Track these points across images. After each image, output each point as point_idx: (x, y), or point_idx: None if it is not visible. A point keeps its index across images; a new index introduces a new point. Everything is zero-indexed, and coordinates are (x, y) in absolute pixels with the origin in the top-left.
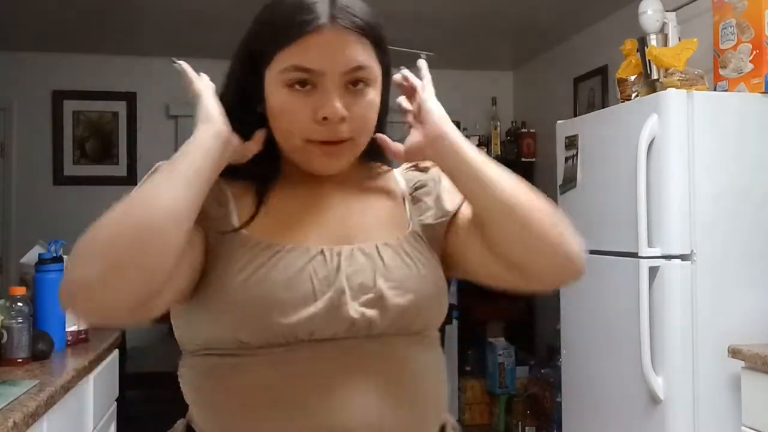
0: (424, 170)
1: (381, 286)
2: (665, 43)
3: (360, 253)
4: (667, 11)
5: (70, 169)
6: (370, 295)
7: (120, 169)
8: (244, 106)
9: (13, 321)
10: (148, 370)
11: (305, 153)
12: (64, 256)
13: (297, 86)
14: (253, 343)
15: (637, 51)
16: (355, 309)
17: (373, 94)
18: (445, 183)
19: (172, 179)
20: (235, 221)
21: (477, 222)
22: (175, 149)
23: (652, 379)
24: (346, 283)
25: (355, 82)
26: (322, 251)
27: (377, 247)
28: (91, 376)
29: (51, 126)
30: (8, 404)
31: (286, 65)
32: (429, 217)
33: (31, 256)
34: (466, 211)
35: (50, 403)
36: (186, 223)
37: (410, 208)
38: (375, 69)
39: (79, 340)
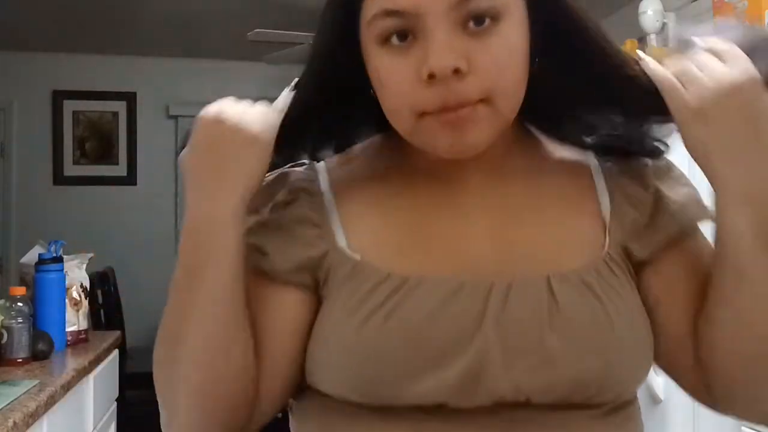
0: (653, 154)
1: (550, 344)
2: (666, 44)
3: (522, 288)
4: (667, 11)
5: (70, 169)
6: (532, 359)
7: (120, 169)
8: (344, 92)
9: (13, 321)
10: (148, 370)
11: (424, 133)
12: (64, 256)
13: (394, 40)
14: (369, 403)
15: (637, 51)
16: (506, 378)
17: (510, 30)
18: (683, 190)
19: (194, 314)
20: (342, 241)
21: (714, 298)
22: (175, 149)
23: (652, 379)
24: (496, 338)
25: (475, 18)
26: (462, 286)
27: (549, 280)
28: (91, 376)
29: (51, 126)
30: (8, 404)
31: (374, 11)
32: (642, 238)
33: (31, 256)
34: (697, 247)
35: (50, 403)
36: (239, 346)
37: (611, 215)
38: None
39: (79, 340)
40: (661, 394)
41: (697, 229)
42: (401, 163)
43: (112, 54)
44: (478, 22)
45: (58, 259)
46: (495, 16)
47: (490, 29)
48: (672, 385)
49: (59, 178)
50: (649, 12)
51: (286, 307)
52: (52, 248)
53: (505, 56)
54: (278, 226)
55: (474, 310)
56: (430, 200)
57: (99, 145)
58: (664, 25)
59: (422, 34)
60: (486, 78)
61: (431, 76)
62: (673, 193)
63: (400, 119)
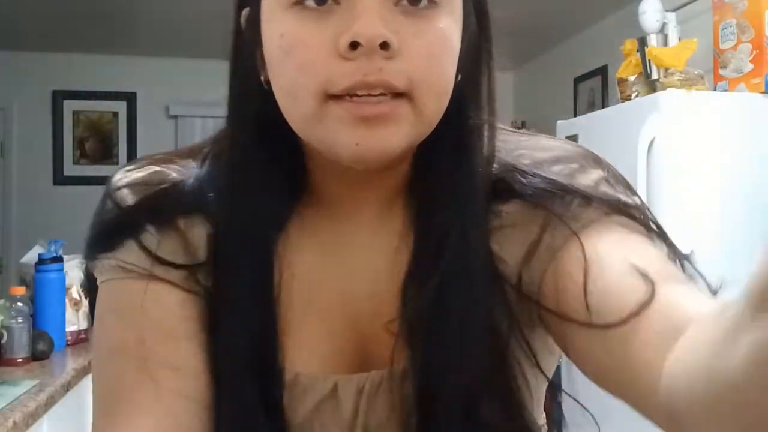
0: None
1: None
2: (665, 44)
3: (390, 384)
4: (667, 11)
5: (70, 169)
6: None
7: None
8: (243, 79)
9: (13, 321)
10: None
11: (326, 123)
12: (64, 256)
13: (309, 2)
14: None
15: (637, 51)
16: None
17: (447, 20)
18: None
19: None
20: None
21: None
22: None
23: None
24: None
25: None
26: (335, 387)
27: None
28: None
29: (51, 126)
30: (8, 404)
31: None
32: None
33: (30, 256)
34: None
35: (50, 403)
36: None
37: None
38: None
39: (79, 340)
40: None
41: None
42: (310, 191)
43: (112, 54)
44: (416, 1)
45: (58, 259)
46: (436, 1)
47: (425, 12)
48: None
49: (59, 178)
50: (649, 12)
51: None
52: (52, 248)
53: (438, 46)
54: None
55: (345, 416)
56: (320, 246)
57: (99, 145)
58: (664, 25)
59: (348, 1)
60: (415, 65)
61: (354, 46)
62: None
63: (300, 102)
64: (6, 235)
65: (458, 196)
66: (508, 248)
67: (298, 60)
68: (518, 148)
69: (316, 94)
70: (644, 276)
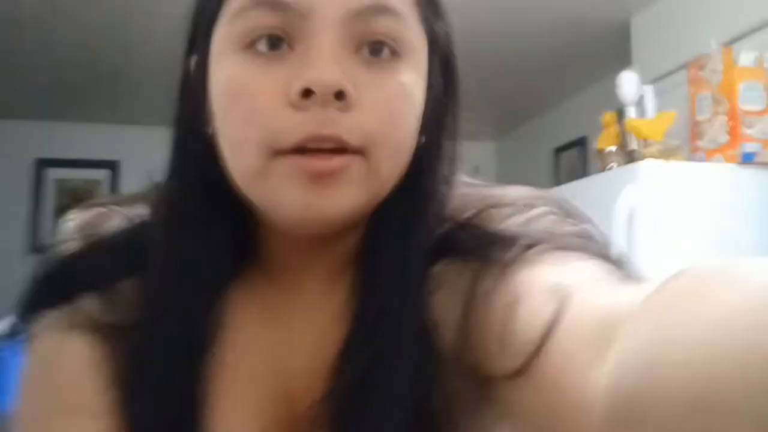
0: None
1: None
2: (643, 115)
3: None
4: (644, 84)
5: (47, 238)
6: None
7: None
8: (187, 129)
9: None
10: None
11: (272, 181)
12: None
13: (261, 46)
14: None
15: (616, 122)
16: None
17: (409, 73)
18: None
19: None
20: None
21: None
22: None
23: None
24: None
25: (373, 43)
26: None
27: None
28: None
29: (33, 194)
30: None
31: (241, 4)
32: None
33: (1, 328)
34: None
35: None
36: None
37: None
38: (414, 31)
39: None
40: None
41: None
42: (256, 262)
43: (97, 122)
44: (375, 50)
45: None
46: (395, 50)
47: (387, 64)
48: None
49: (35, 247)
50: (627, 85)
51: None
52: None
53: (399, 101)
54: None
55: None
56: (262, 325)
57: None
58: (641, 97)
59: (303, 42)
60: (372, 120)
61: (306, 93)
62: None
63: (244, 156)
64: None
65: (402, 270)
66: (446, 310)
67: (244, 108)
68: (473, 202)
69: (261, 148)
70: (557, 291)
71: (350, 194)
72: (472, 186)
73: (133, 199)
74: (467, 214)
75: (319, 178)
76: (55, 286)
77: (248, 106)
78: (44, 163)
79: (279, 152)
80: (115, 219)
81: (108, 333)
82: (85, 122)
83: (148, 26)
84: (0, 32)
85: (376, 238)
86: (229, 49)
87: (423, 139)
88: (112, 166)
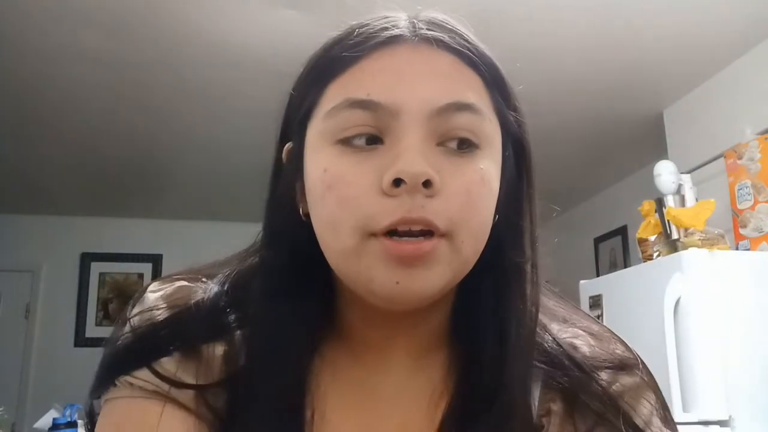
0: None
1: None
2: (682, 204)
3: None
4: (682, 173)
5: (92, 331)
6: None
7: None
8: (281, 210)
9: None
10: None
11: (365, 260)
12: (79, 421)
13: (355, 141)
14: None
15: (656, 212)
16: None
17: (487, 162)
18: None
19: None
20: None
21: None
22: None
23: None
24: None
25: (456, 140)
26: None
27: None
28: None
29: (77, 288)
30: None
31: (335, 103)
32: None
33: (45, 421)
34: None
35: None
36: None
37: None
38: (490, 122)
39: None
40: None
41: None
42: (344, 335)
43: (140, 218)
44: (459, 144)
45: (73, 424)
46: (473, 142)
47: (466, 153)
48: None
49: (80, 340)
50: (664, 174)
51: None
52: (68, 412)
53: (477, 185)
54: None
55: None
56: (353, 397)
57: (123, 306)
58: (680, 186)
59: (392, 137)
60: (455, 205)
61: (397, 183)
62: None
63: (340, 236)
64: (22, 398)
65: (506, 349)
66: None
67: (340, 195)
68: (564, 319)
69: (356, 230)
70: None
71: (437, 274)
72: (547, 295)
73: (208, 273)
74: (576, 351)
75: (410, 260)
76: (145, 353)
77: (344, 193)
78: (89, 257)
79: (372, 234)
80: (196, 291)
81: (197, 392)
82: (129, 217)
83: (188, 130)
84: (52, 139)
85: (468, 315)
86: (326, 142)
87: (497, 218)
88: (154, 259)
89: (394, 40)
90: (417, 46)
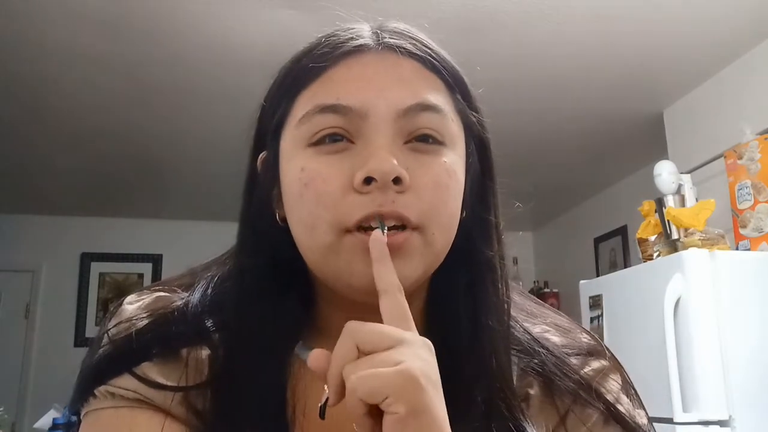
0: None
1: None
2: (682, 204)
3: None
4: (682, 173)
5: (92, 331)
6: None
7: None
8: (257, 215)
9: None
10: None
11: (342, 255)
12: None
13: (327, 143)
14: None
15: (655, 212)
16: None
17: (452, 157)
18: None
19: None
20: None
21: None
22: None
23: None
24: None
25: (420, 137)
26: None
27: None
28: None
29: (77, 288)
30: None
31: (307, 109)
32: None
33: (44, 421)
34: None
35: None
36: None
37: None
38: (453, 122)
39: None
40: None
41: None
42: (323, 328)
43: (141, 218)
44: (422, 139)
45: (72, 425)
46: (437, 139)
47: (432, 150)
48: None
49: (80, 340)
50: (664, 174)
51: None
52: (68, 412)
53: (445, 178)
54: None
55: None
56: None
57: None
58: (680, 186)
59: (361, 139)
60: (425, 198)
61: (368, 181)
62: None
63: (317, 233)
64: (21, 398)
65: (482, 338)
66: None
67: (317, 191)
68: (532, 314)
69: (332, 226)
70: None
71: (411, 265)
72: (523, 297)
73: (182, 283)
74: (546, 340)
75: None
76: (126, 359)
77: (321, 189)
78: (89, 257)
79: (347, 230)
80: (175, 300)
81: (180, 394)
82: (129, 217)
83: (188, 129)
84: (52, 139)
85: (442, 307)
86: (300, 147)
87: (464, 213)
88: (154, 259)
89: (360, 49)
90: (382, 54)
